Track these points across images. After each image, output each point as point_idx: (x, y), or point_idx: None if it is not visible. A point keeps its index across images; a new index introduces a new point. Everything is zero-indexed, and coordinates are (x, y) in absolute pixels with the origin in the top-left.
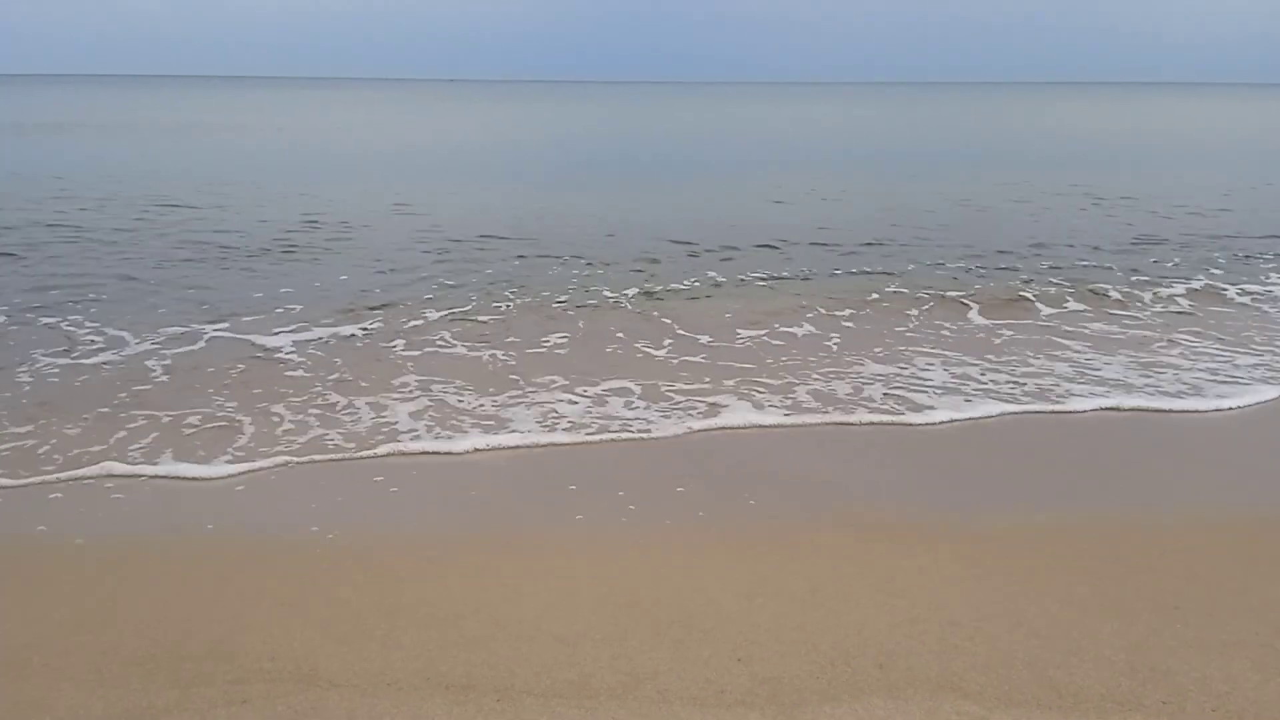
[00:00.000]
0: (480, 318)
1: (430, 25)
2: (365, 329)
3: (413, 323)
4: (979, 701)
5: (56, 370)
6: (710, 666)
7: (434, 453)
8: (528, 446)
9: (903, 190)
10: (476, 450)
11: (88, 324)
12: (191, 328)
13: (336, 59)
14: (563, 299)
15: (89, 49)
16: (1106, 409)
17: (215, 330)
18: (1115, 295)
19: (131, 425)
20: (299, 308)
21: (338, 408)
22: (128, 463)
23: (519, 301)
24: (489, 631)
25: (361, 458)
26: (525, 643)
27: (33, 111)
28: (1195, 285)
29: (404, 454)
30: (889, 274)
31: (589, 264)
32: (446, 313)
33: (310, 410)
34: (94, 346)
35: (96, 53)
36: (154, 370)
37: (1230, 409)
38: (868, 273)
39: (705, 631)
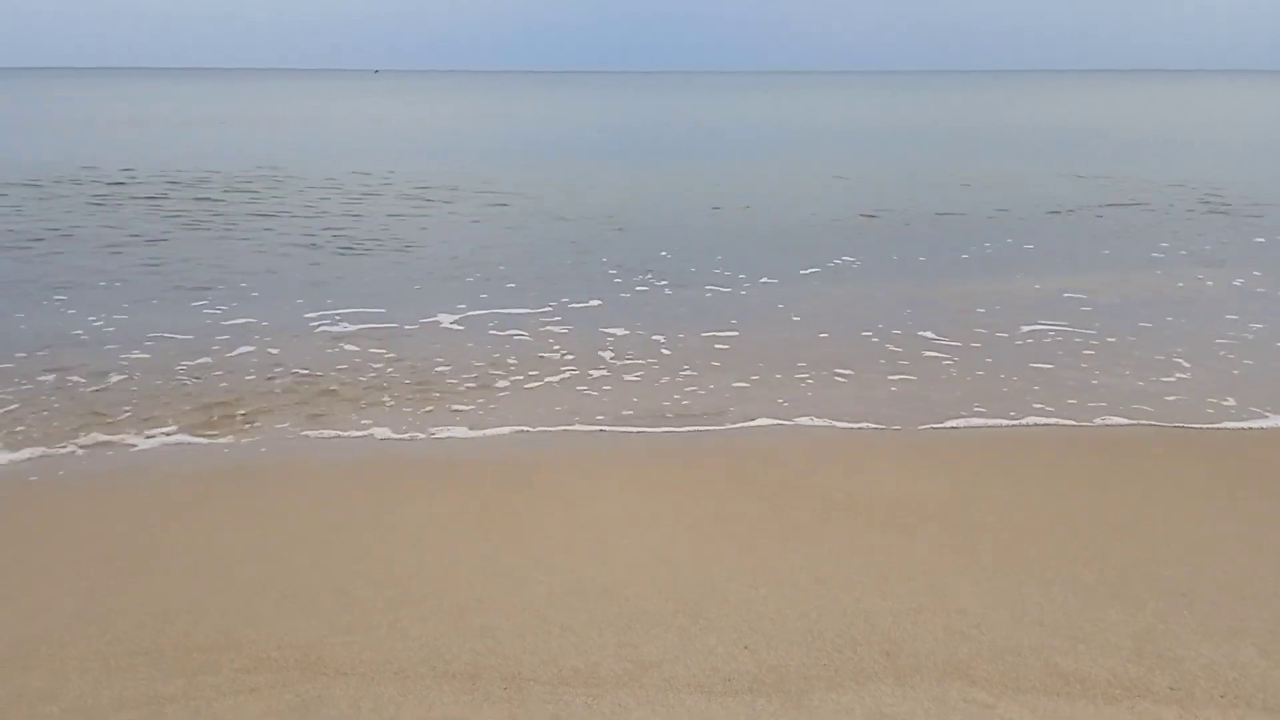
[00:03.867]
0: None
1: (413, 17)
2: None
3: None
4: (986, 688)
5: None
6: (716, 654)
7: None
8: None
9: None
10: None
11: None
12: None
13: (301, 51)
14: None
15: (82, 42)
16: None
17: None
18: None
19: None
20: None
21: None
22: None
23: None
24: (495, 621)
25: (363, 453)
26: (531, 632)
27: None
28: None
29: (394, 438)
30: None
31: None
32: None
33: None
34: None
35: (87, 46)
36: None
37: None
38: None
39: (710, 620)
